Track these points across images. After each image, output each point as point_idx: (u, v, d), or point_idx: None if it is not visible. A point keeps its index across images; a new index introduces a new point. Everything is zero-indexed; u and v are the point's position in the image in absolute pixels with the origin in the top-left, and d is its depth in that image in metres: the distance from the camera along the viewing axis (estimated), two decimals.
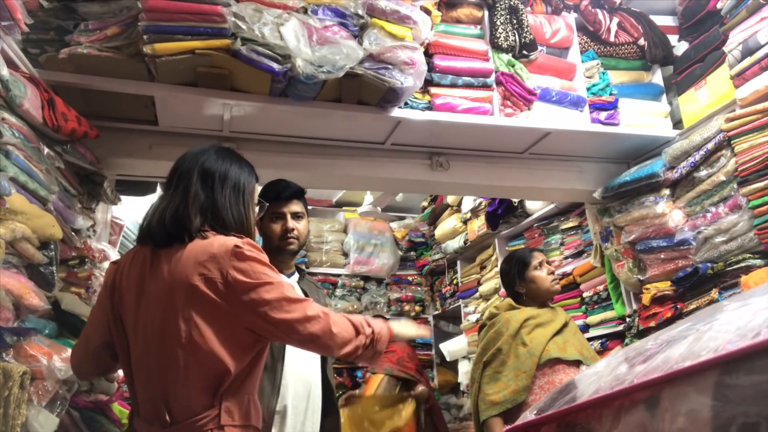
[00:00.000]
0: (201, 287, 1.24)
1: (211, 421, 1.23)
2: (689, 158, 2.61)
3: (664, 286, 2.72)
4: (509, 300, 2.41)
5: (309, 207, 2.17)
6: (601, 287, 3.34)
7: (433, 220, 5.26)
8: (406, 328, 1.52)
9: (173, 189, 1.39)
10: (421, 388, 4.04)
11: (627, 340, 2.97)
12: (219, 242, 1.29)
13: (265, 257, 1.33)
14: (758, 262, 2.37)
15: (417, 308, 5.46)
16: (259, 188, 1.87)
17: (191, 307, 1.25)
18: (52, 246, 1.83)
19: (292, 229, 1.97)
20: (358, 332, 1.35)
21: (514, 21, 2.85)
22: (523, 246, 4.04)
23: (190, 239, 1.31)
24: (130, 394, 1.38)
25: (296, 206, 2.01)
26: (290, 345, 1.45)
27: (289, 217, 1.98)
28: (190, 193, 1.36)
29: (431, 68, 2.62)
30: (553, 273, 2.39)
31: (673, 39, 3.16)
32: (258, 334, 1.31)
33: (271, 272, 1.31)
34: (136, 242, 1.41)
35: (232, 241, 1.30)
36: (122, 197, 2.77)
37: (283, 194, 1.99)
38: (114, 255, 2.40)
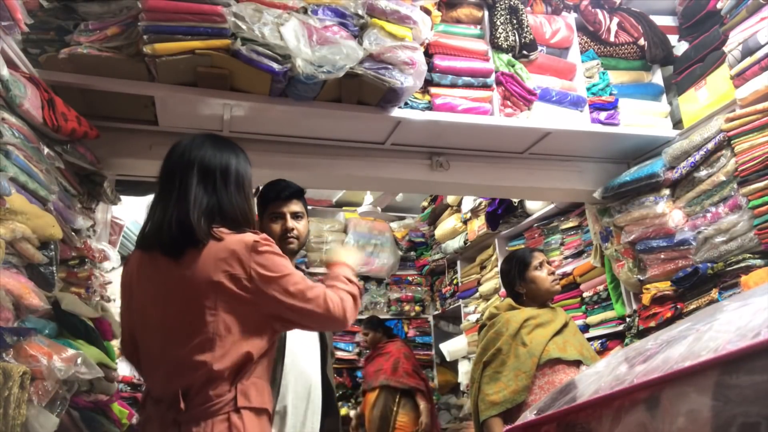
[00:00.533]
0: (225, 283, 1.29)
1: (227, 404, 1.26)
2: (689, 158, 2.61)
3: (664, 286, 2.72)
4: (509, 300, 2.41)
5: (309, 207, 2.17)
6: (601, 287, 3.33)
7: (433, 220, 5.26)
8: (352, 256, 1.64)
9: (176, 192, 1.37)
10: (422, 404, 4.04)
11: (627, 340, 2.97)
12: (236, 239, 1.33)
13: (278, 249, 1.38)
14: (758, 262, 2.37)
15: (417, 308, 5.46)
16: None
17: (217, 303, 1.29)
18: (52, 246, 1.83)
19: (292, 229, 1.96)
20: (353, 295, 1.45)
21: (514, 21, 2.85)
22: (523, 246, 4.04)
23: (204, 243, 1.32)
24: (146, 381, 1.42)
25: (296, 206, 2.00)
26: (312, 329, 1.45)
27: (288, 216, 1.97)
28: (191, 196, 1.35)
29: (431, 68, 2.62)
30: (553, 273, 2.38)
31: (673, 39, 3.16)
32: (284, 321, 1.37)
33: (288, 263, 1.38)
34: (140, 248, 1.41)
35: (249, 237, 1.34)
36: (122, 197, 2.76)
37: (283, 194, 1.98)
38: (114, 255, 2.40)
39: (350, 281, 1.49)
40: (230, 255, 1.30)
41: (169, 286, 1.34)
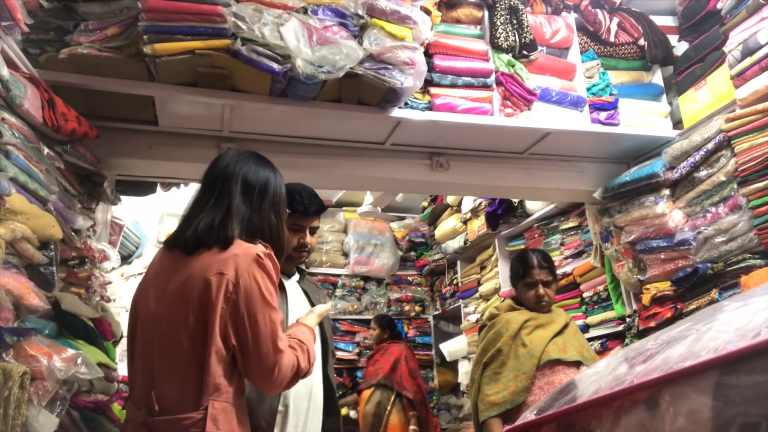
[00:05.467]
0: (214, 282, 1.29)
1: (195, 425, 1.24)
2: (689, 158, 2.61)
3: (664, 287, 2.72)
4: (509, 301, 2.41)
5: None
6: (601, 287, 3.33)
7: (433, 220, 5.26)
8: (312, 317, 1.58)
9: (214, 198, 1.41)
10: (411, 413, 4.05)
11: (627, 340, 2.97)
12: (244, 247, 1.35)
13: (275, 274, 1.37)
14: (758, 262, 2.37)
15: (417, 308, 5.46)
16: None
17: (202, 300, 1.29)
18: (52, 246, 1.83)
19: (308, 244, 1.99)
20: (295, 380, 1.37)
21: (514, 21, 2.85)
22: (523, 246, 4.04)
23: (224, 247, 1.33)
24: (129, 380, 1.41)
25: (317, 221, 2.02)
26: (242, 368, 1.34)
27: (307, 231, 1.99)
28: (233, 206, 1.39)
29: (431, 68, 2.62)
30: (541, 296, 2.30)
31: (673, 39, 3.16)
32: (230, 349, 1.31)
33: (275, 293, 1.35)
34: (164, 246, 1.45)
35: (256, 249, 1.35)
36: (122, 197, 2.77)
37: (310, 210, 1.98)
38: (114, 255, 2.40)
39: (301, 344, 1.42)
40: (231, 257, 1.31)
41: (172, 282, 1.35)
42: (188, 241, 1.37)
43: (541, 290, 2.30)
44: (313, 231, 2.02)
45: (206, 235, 1.35)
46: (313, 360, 1.43)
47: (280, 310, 1.89)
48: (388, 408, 4.06)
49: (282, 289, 1.95)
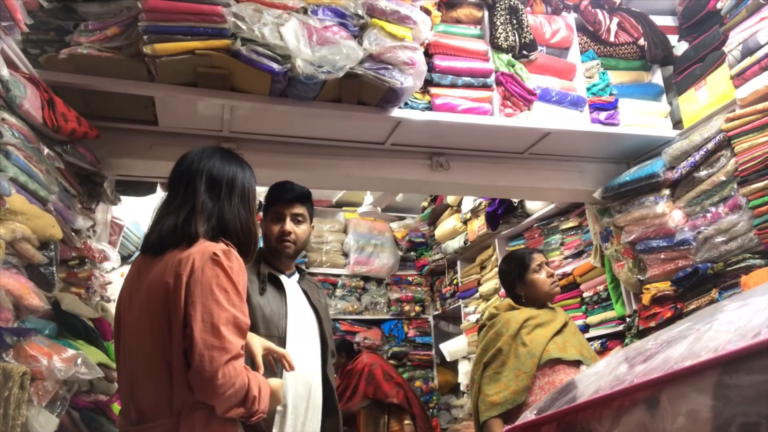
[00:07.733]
0: (172, 285, 1.26)
1: (169, 431, 1.22)
2: (689, 158, 2.61)
3: (664, 286, 2.72)
4: (509, 300, 2.40)
5: None
6: (601, 287, 3.33)
7: (433, 220, 5.26)
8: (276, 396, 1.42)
9: (180, 197, 1.39)
10: (403, 415, 4.05)
11: (627, 340, 2.97)
12: (203, 245, 1.31)
13: (239, 273, 1.30)
14: (758, 262, 2.37)
15: (417, 308, 5.46)
16: (262, 189, 1.87)
17: (164, 304, 1.27)
18: (52, 246, 1.83)
19: (289, 232, 1.96)
20: (243, 405, 1.24)
21: (514, 21, 2.85)
22: (523, 246, 4.03)
23: (189, 246, 1.31)
24: (118, 390, 1.43)
25: (298, 209, 2.00)
26: (190, 375, 1.22)
27: (288, 219, 1.97)
28: (197, 203, 1.37)
29: (431, 68, 2.62)
30: (552, 275, 2.38)
31: (673, 39, 3.16)
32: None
33: (233, 291, 1.27)
34: (140, 252, 1.44)
35: (214, 247, 1.30)
36: (122, 197, 2.76)
37: (286, 196, 1.99)
38: (114, 255, 2.40)
39: (257, 397, 1.26)
40: (188, 257, 1.28)
41: (140, 289, 1.34)
42: (154, 243, 1.36)
43: (549, 269, 2.37)
44: (297, 220, 1.99)
45: (170, 236, 1.33)
46: (264, 408, 1.29)
47: (278, 309, 1.89)
48: (385, 419, 4.09)
49: (281, 288, 1.95)
